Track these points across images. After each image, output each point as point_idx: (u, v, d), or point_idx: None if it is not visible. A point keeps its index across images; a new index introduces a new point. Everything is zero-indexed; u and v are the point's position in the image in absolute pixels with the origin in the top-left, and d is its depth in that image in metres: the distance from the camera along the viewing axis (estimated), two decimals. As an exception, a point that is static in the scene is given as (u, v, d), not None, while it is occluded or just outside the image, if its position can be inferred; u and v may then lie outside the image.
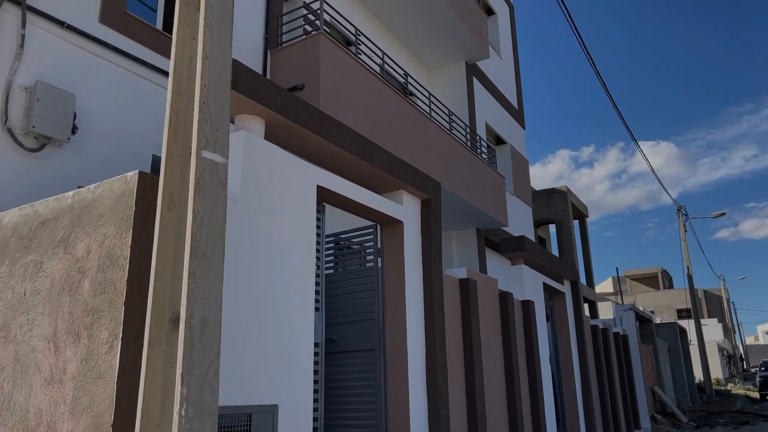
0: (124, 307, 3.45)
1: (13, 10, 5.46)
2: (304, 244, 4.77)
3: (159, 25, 7.31)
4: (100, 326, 3.54)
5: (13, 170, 5.24)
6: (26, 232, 4.20)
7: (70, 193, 3.97)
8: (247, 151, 4.44)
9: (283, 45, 8.31)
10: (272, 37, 8.40)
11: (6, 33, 5.38)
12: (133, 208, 3.61)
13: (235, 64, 4.40)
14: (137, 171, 3.64)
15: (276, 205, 4.57)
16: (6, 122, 5.25)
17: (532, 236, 17.05)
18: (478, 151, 13.11)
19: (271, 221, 4.49)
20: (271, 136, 5.01)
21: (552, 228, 25.04)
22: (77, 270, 3.77)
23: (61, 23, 5.79)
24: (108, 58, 6.22)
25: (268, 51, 8.28)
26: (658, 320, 29.60)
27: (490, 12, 17.97)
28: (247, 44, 7.99)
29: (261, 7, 8.34)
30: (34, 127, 5.30)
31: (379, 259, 6.19)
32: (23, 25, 5.46)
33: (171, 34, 7.22)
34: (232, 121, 4.79)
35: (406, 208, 6.31)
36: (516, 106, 18.16)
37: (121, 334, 3.42)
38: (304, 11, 8.79)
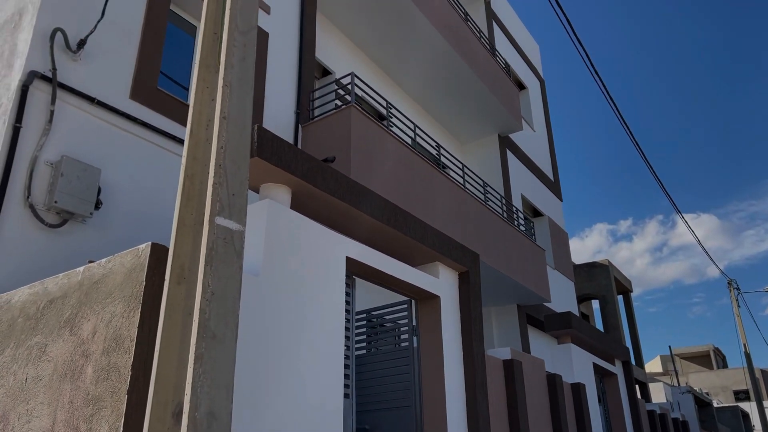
0: (127, 397, 3.06)
1: (44, 87, 5.45)
2: (332, 322, 4.35)
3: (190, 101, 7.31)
4: (101, 418, 3.14)
5: (33, 247, 5.04)
6: (33, 312, 3.90)
7: (81, 268, 3.69)
8: (271, 221, 4.13)
9: (314, 119, 8.23)
10: (303, 112, 8.35)
11: (35, 109, 5.35)
12: (143, 283, 3.28)
13: (261, 130, 4.18)
14: (150, 243, 3.35)
15: (302, 278, 4.19)
16: (28, 198, 5.10)
17: (576, 312, 16.18)
18: (516, 223, 12.67)
19: (297, 297, 4.11)
20: (297, 205, 4.72)
21: (595, 304, 23.94)
22: (81, 353, 3.42)
23: (91, 99, 5.77)
24: (137, 132, 6.15)
25: (299, 125, 8.20)
26: (716, 403, 27.47)
27: (521, 86, 18.04)
28: (279, 119, 7.93)
29: (293, 84, 8.34)
30: (56, 202, 5.14)
31: (415, 338, 5.69)
32: (53, 101, 5.43)
33: (201, 109, 7.20)
34: (257, 191, 4.53)
35: (442, 282, 5.86)
36: (552, 178, 17.81)
37: (121, 429, 2.99)
38: (335, 86, 8.78)
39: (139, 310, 3.22)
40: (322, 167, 4.62)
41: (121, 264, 3.48)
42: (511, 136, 15.22)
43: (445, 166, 12.00)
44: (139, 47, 6.40)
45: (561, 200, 17.89)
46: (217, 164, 2.89)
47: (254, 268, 3.94)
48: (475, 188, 11.39)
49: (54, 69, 5.49)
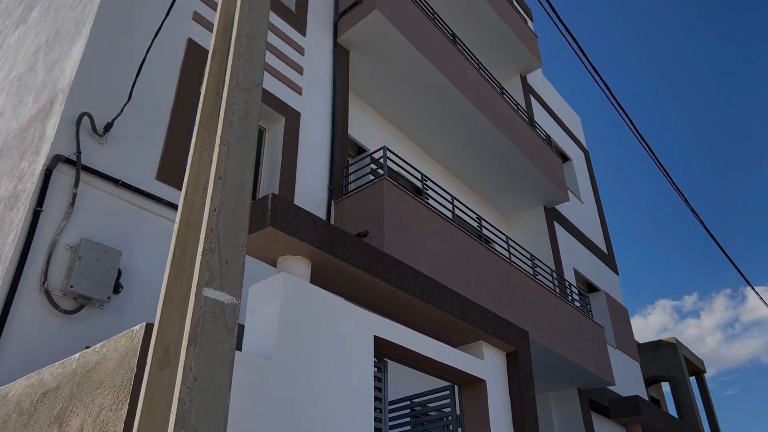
0: (107, 507, 2.59)
1: (68, 170, 5.38)
2: (360, 411, 3.80)
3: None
4: None
5: (46, 335, 4.76)
6: (27, 407, 3.54)
7: (76, 355, 3.35)
8: (286, 297, 3.72)
9: (347, 194, 7.99)
10: (337, 188, 8.13)
11: (58, 192, 5.26)
12: (134, 370, 2.89)
13: (275, 198, 3.87)
14: (144, 323, 2.98)
15: (323, 362, 3.71)
16: (44, 283, 4.89)
17: (644, 396, 14.77)
18: (569, 298, 11.84)
19: (317, 383, 3.61)
20: (318, 278, 4.31)
21: (665, 386, 22.03)
22: (67, 454, 3.00)
23: (115, 181, 5.67)
24: (162, 213, 5.99)
25: (332, 201, 7.96)
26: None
27: (565, 158, 17.63)
28: (311, 196, 7.71)
29: (325, 161, 8.19)
30: (71, 287, 4.90)
31: (460, 429, 5.02)
32: (76, 184, 5.34)
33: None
34: (274, 264, 4.16)
35: (488, 363, 5.24)
36: (605, 250, 16.92)
37: None
38: (368, 161, 8.59)
39: (127, 401, 2.81)
40: (344, 237, 4.24)
41: (115, 349, 3.11)
42: (557, 207, 14.64)
43: (488, 240, 11.47)
44: (167, 128, 6.37)
45: (617, 274, 16.89)
46: (209, 228, 2.54)
47: (267, 351, 3.50)
48: (523, 262, 10.76)
49: (78, 152, 5.44)
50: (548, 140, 14.67)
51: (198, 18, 7.32)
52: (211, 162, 2.78)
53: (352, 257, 4.27)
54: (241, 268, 2.56)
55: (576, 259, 14.40)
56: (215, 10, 7.51)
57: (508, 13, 14.97)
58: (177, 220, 2.72)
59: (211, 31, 7.37)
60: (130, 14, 6.51)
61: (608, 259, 16.72)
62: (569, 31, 8.88)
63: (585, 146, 19.53)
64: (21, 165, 5.70)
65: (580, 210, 16.28)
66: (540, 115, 16.67)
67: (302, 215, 4.02)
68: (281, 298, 3.69)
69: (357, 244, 4.34)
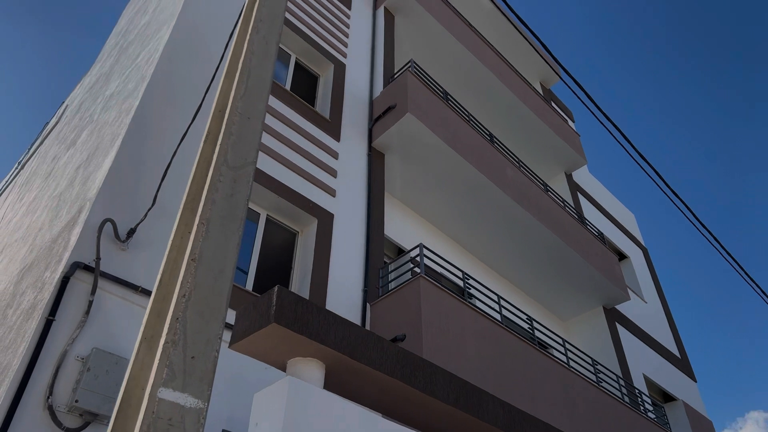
0: None
1: (86, 277, 5.22)
2: None
3: (249, 286, 6.92)
4: None
5: (45, 457, 4.34)
6: None
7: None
8: (293, 406, 3.22)
9: (383, 296, 7.54)
10: (372, 290, 7.72)
11: (73, 300, 5.07)
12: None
13: (281, 292, 3.50)
14: (115, 437, 2.55)
15: (334, 485, 3.12)
16: (49, 398, 4.55)
17: None
18: (641, 408, 10.58)
19: None
20: (334, 384, 3.80)
21: None
22: None
23: (135, 287, 5.46)
24: (184, 321, 5.67)
25: (368, 304, 7.51)
26: None
27: (622, 256, 16.74)
28: (345, 299, 7.31)
29: (360, 262, 7.87)
30: (77, 402, 4.54)
31: None
32: (93, 292, 5.15)
33: (258, 294, 6.76)
34: (284, 369, 3.70)
35: (543, 486, 4.43)
36: (678, 354, 15.45)
37: None
38: (405, 261, 8.20)
39: None
40: (364, 335, 3.77)
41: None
42: (619, 308, 13.61)
43: (543, 344, 10.60)
44: (193, 234, 6.23)
45: (695, 381, 15.25)
46: (174, 317, 2.18)
47: (266, 470, 2.97)
48: (583, 368, 9.78)
49: (98, 258, 5.31)
50: (601, 237, 13.98)
51: None
52: (188, 243, 2.48)
53: (372, 358, 3.77)
54: (211, 366, 2.15)
55: (645, 364, 13.11)
56: (247, 119, 7.65)
57: (547, 114, 14.97)
58: (147, 310, 2.37)
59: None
60: (160, 121, 6.66)
61: (682, 364, 15.19)
62: (617, 128, 8.60)
63: (642, 243, 18.60)
64: (44, 275, 5.61)
65: (644, 311, 15.11)
66: (590, 212, 16.10)
67: (313, 310, 3.60)
68: (286, 407, 3.19)
69: (378, 344, 3.85)
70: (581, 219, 13.56)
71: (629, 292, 14.66)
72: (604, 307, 12.90)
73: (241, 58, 3.26)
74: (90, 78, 13.76)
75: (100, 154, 6.85)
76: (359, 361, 3.67)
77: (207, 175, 2.78)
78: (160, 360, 2.05)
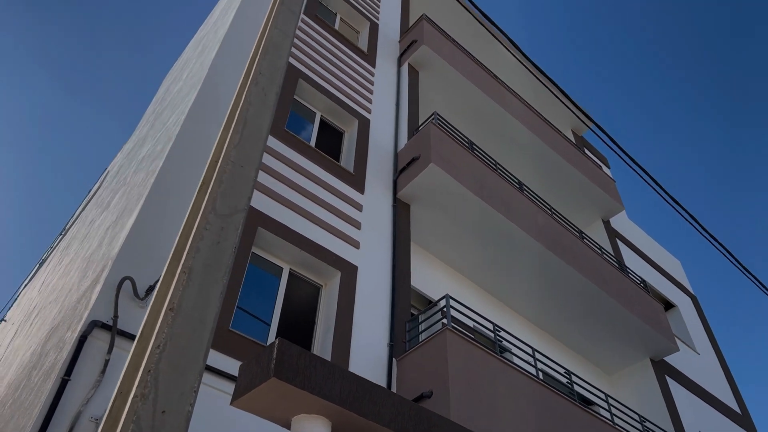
0: None
1: (103, 336, 5.21)
2: None
3: (271, 338, 6.79)
4: None
5: None
6: None
7: None
8: (293, 467, 3.04)
9: (409, 350, 7.29)
10: (399, 345, 7.48)
11: (90, 359, 5.04)
12: None
13: (282, 344, 3.37)
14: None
15: None
16: (57, 462, 4.46)
17: None
18: (699, 470, 9.77)
19: None
20: (340, 444, 3.58)
21: None
22: None
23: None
24: (204, 380, 5.57)
25: (394, 359, 7.26)
26: None
27: (668, 305, 15.96)
28: (370, 354, 7.10)
29: (385, 315, 7.68)
30: (86, 464, 4.43)
31: None
32: (109, 350, 5.13)
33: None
34: (288, 426, 3.52)
35: None
36: (737, 410, 14.38)
37: None
38: (431, 312, 7.97)
39: None
40: (370, 388, 3.58)
41: None
42: (669, 360, 12.85)
43: (587, 401, 10.03)
44: (213, 290, 6.20)
45: (758, 438, 14.11)
46: (146, 370, 2.08)
47: None
48: (630, 425, 9.15)
49: (116, 316, 5.31)
50: (644, 285, 13.38)
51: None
52: (168, 292, 2.40)
53: (382, 415, 3.55)
54: (183, 421, 2.02)
55: (701, 421, 12.21)
56: (258, 183, 7.74)
57: (580, 161, 14.73)
58: (125, 364, 2.28)
59: (268, 196, 7.53)
60: (182, 180, 6.77)
61: (744, 421, 14.11)
62: (650, 175, 8.35)
63: (691, 291, 17.74)
64: (66, 335, 5.64)
65: (697, 363, 14.23)
66: (632, 259, 15.51)
67: (316, 364, 3.45)
68: (285, 468, 3.01)
69: (388, 399, 3.64)
70: (621, 266, 13.05)
71: (679, 342, 13.87)
72: (651, 360, 12.19)
73: (238, 108, 3.28)
74: (129, 144, 14.34)
75: (126, 215, 7.00)
76: (367, 418, 3.46)
77: (194, 224, 2.74)
78: (126, 415, 1.95)
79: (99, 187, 14.06)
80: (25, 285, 15.42)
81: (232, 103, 3.50)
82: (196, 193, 2.94)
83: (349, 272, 7.68)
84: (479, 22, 9.06)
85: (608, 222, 15.42)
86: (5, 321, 14.15)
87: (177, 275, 2.39)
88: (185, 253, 2.49)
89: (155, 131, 10.21)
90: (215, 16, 15.05)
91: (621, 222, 16.69)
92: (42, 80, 45.06)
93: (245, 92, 3.39)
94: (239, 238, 2.68)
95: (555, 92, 15.89)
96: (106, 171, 15.68)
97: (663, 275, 16.76)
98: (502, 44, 8.70)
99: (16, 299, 15.37)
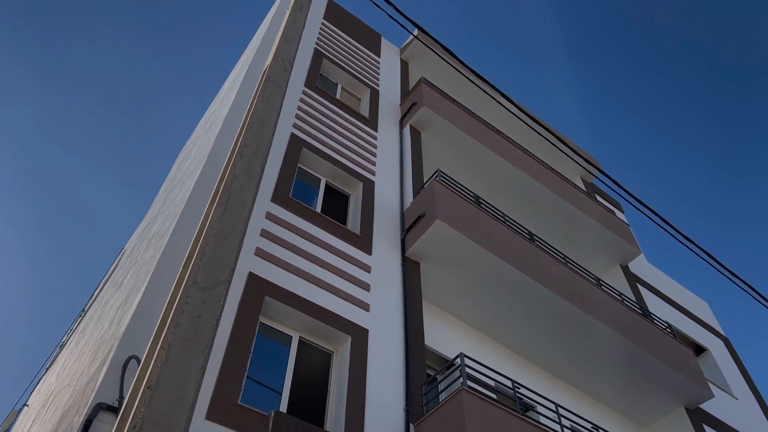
0: None
1: (108, 418, 5.14)
2: None
3: (283, 408, 6.64)
4: None
5: None
6: None
7: None
8: None
9: (427, 414, 7.07)
10: (416, 409, 7.26)
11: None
12: None
13: (278, 417, 3.30)
14: None
15: None
16: None
17: None
18: None
19: None
20: None
21: None
22: None
23: (159, 425, 5.32)
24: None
25: (411, 424, 7.04)
26: None
27: (699, 349, 15.40)
28: (385, 421, 6.89)
29: (399, 379, 7.49)
30: None
31: None
32: (115, 432, 5.04)
33: None
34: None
35: None
36: (785, 457, 13.56)
37: None
38: (446, 373, 7.77)
39: None
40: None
41: None
42: (705, 408, 12.26)
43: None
44: (222, 361, 6.14)
45: (812, 488, 13.22)
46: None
47: None
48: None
49: (121, 398, 5.25)
50: (670, 329, 12.97)
51: (260, 253, 7.53)
52: (147, 368, 2.38)
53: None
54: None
55: (747, 472, 11.51)
56: (275, 248, 7.79)
57: (591, 208, 14.65)
58: (104, 447, 2.24)
59: (274, 265, 7.56)
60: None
61: (794, 468, 13.27)
62: (665, 220, 8.24)
63: (722, 333, 17.14)
64: (74, 420, 5.58)
65: (735, 408, 13.56)
66: (655, 304, 15.11)
67: (314, 435, 3.36)
68: None
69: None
70: (644, 312, 12.70)
71: (714, 388, 13.29)
72: (686, 408, 11.65)
73: (223, 181, 3.35)
74: (143, 223, 14.63)
75: (135, 293, 7.05)
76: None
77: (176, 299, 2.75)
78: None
79: (115, 267, 14.26)
80: (46, 369, 15.45)
81: (219, 176, 3.58)
82: (180, 268, 2.97)
83: (360, 336, 7.58)
84: (474, 83, 9.27)
85: (626, 267, 15.14)
86: (27, 406, 14.11)
87: (156, 352, 2.38)
88: (164, 329, 2.49)
89: (165, 208, 10.42)
90: (223, 93, 15.64)
91: (640, 266, 16.38)
92: (64, 159, 46.66)
93: (230, 165, 3.47)
94: (222, 309, 2.68)
95: (558, 144, 15.96)
96: (122, 251, 15.94)
97: (690, 318, 16.26)
98: (499, 103, 8.84)
99: (37, 384, 15.38)
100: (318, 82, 12.19)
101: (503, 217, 11.13)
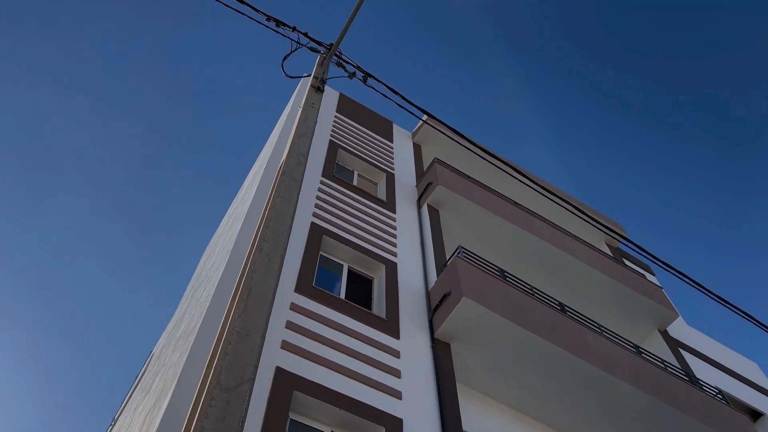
0: None
1: None
2: None
3: None
4: None
5: None
6: None
7: None
8: None
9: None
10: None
11: None
12: None
13: None
14: None
15: None
16: None
17: None
18: None
19: None
20: None
21: None
22: None
23: None
24: None
25: None
26: None
27: (756, 414, 14.47)
28: None
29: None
30: None
31: None
32: None
33: None
34: None
35: None
36: None
37: None
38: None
39: None
40: None
41: None
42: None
43: None
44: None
45: None
46: None
47: None
48: None
49: None
50: (721, 395, 12.26)
51: (287, 346, 7.45)
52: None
53: None
54: None
55: None
56: (301, 334, 7.71)
57: (620, 273, 14.33)
58: None
59: (301, 357, 7.44)
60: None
61: None
62: (696, 282, 8.02)
63: (776, 393, 16.14)
64: None
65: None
66: (701, 369, 14.39)
67: None
68: None
69: None
70: (691, 378, 12.09)
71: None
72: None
73: (243, 276, 3.37)
74: (171, 324, 14.65)
75: (163, 397, 6.95)
76: None
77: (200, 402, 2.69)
78: None
79: (144, 371, 14.15)
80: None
81: (239, 273, 3.60)
82: (204, 369, 2.93)
83: (394, 426, 7.29)
84: (487, 160, 9.42)
85: (666, 332, 14.58)
86: None
87: (180, 460, 2.31)
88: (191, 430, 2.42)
89: (191, 307, 10.45)
90: (244, 190, 16.07)
91: (680, 330, 15.76)
92: (94, 273, 47.60)
93: (250, 261, 3.50)
94: (246, 409, 2.61)
95: (580, 214, 15.91)
96: (151, 354, 15.87)
97: (741, 381, 15.40)
98: (513, 177, 8.93)
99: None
100: (335, 171, 12.49)
101: (531, 290, 10.92)
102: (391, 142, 15.66)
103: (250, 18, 5.75)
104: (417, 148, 16.33)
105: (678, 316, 14.55)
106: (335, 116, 14.98)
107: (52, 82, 43.64)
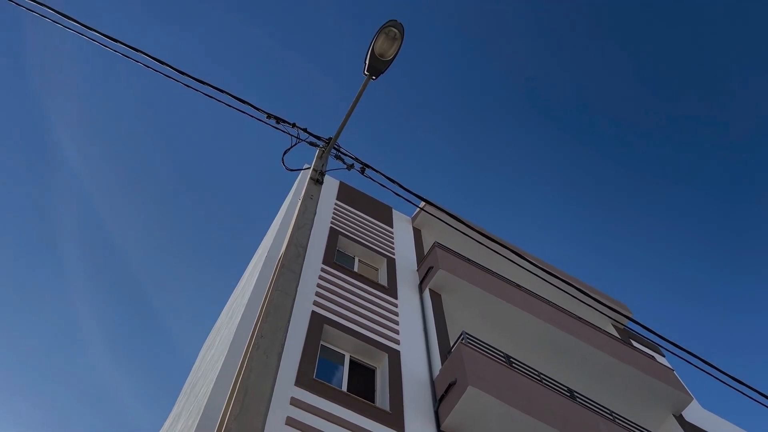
0: None
1: None
2: None
3: None
4: None
5: None
6: None
7: None
8: None
9: None
10: None
11: None
12: None
13: None
14: None
15: None
16: None
17: None
18: None
19: None
20: None
21: None
22: None
23: None
24: None
25: None
26: None
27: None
28: None
29: None
30: None
31: None
32: None
33: None
34: None
35: None
36: None
37: None
38: None
39: None
40: None
41: None
42: None
43: None
44: None
45: None
46: None
47: None
48: None
49: None
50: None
51: (296, 402, 7.18)
52: None
53: None
54: None
55: None
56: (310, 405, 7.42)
57: (628, 355, 13.97)
58: None
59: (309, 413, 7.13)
60: None
61: None
62: (709, 363, 7.79)
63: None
64: None
65: None
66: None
67: None
68: None
69: None
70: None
71: None
72: None
73: (240, 375, 3.28)
74: (168, 421, 14.13)
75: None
76: None
77: None
78: None
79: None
80: None
81: (236, 371, 3.52)
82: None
83: None
84: (487, 246, 9.45)
85: (681, 416, 14.01)
86: None
87: None
88: None
89: (189, 404, 10.13)
90: (243, 281, 16.00)
91: (696, 413, 15.15)
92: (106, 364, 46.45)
93: (247, 359, 3.43)
94: None
95: (585, 298, 15.76)
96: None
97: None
98: (514, 262, 8.88)
99: None
100: (335, 258, 12.49)
101: (538, 376, 10.62)
102: (391, 227, 15.78)
103: (251, 116, 5.97)
104: (417, 233, 16.43)
105: (692, 399, 14.04)
106: (335, 204, 15.18)
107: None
